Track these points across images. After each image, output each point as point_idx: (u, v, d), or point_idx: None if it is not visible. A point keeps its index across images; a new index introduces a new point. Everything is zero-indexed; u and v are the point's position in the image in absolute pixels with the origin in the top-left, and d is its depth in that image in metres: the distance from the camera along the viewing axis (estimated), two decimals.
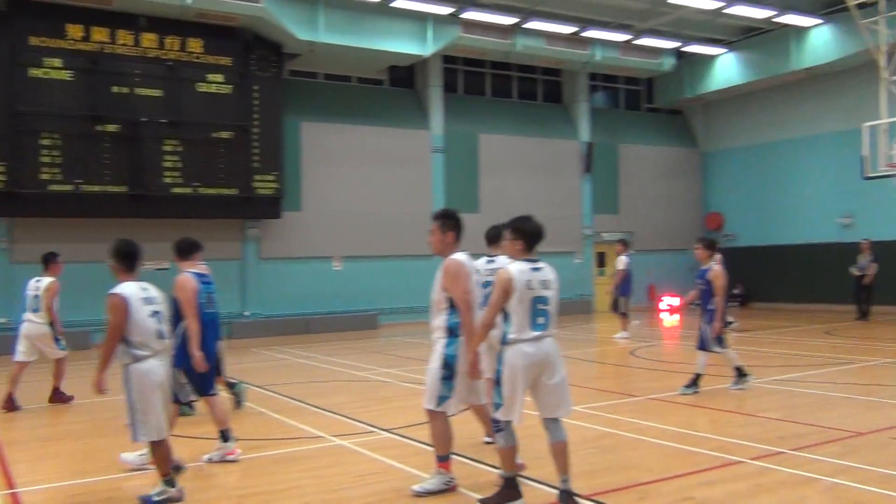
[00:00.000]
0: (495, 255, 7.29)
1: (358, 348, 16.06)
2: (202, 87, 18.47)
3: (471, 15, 19.86)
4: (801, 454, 6.37)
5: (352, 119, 21.32)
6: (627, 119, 26.81)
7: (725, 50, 24.09)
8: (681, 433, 7.29)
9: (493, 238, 7.44)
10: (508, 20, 20.42)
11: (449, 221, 6.08)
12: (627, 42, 22.65)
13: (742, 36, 23.47)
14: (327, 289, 20.62)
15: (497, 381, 5.17)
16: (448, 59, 22.98)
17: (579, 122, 25.06)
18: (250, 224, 19.75)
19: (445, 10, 19.58)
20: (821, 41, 21.73)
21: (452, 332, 5.68)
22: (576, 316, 23.03)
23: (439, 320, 5.79)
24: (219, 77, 18.66)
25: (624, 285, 16.27)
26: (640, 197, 25.87)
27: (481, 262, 7.11)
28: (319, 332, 19.56)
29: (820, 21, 21.38)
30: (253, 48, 19.09)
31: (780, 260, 24.47)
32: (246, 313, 19.69)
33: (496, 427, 5.24)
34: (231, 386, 9.09)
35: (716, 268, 9.58)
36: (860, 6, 16.69)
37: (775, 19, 21.22)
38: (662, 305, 25.04)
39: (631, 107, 27.21)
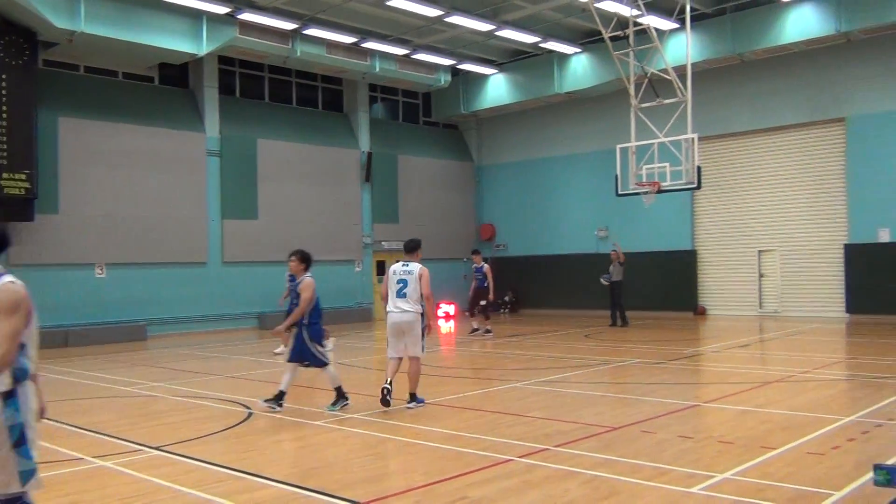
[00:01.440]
0: (410, 261, 9.21)
1: (124, 361, 15.00)
2: None
3: (248, 16, 19.33)
4: (564, 450, 6.81)
5: (118, 117, 19.91)
6: (406, 131, 27.44)
7: (496, 70, 25.42)
8: (455, 435, 7.53)
9: (412, 249, 9.33)
10: (287, 25, 20.13)
11: None
12: (405, 56, 23.20)
13: (511, 58, 24.90)
14: (89, 298, 19.06)
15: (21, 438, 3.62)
16: (224, 60, 22.21)
17: (359, 132, 25.27)
18: None
19: (221, 10, 18.90)
20: (580, 68, 23.60)
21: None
22: (356, 324, 23.14)
23: None
24: None
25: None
26: (419, 207, 26.55)
27: (399, 266, 9.18)
28: (80, 346, 18.02)
29: (579, 50, 23.23)
30: (1, 33, 17.27)
31: (547, 269, 26.20)
32: None
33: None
34: None
35: (307, 279, 9.08)
36: (613, 39, 18.28)
37: (541, 45, 22.75)
38: (439, 313, 25.81)
39: (409, 119, 27.88)
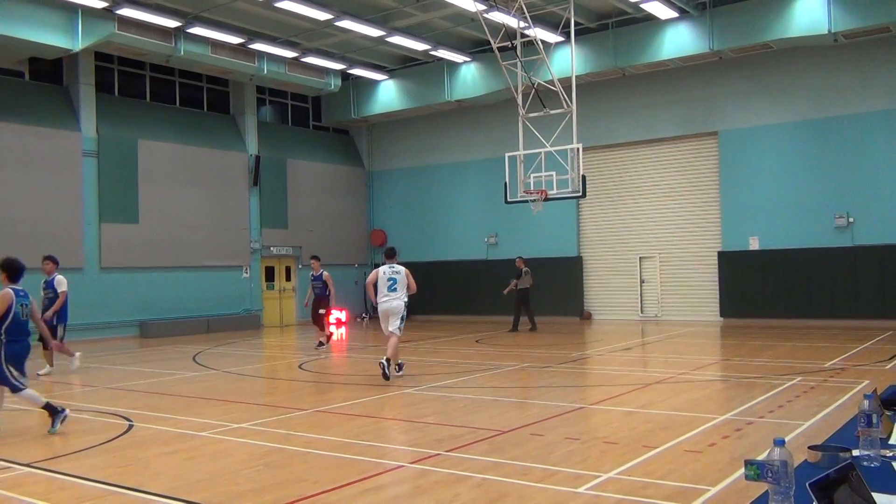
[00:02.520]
0: (394, 264, 11.92)
1: None
2: None
3: (127, 12, 18.51)
4: (455, 455, 6.85)
5: None
6: (295, 135, 27.04)
7: (387, 76, 25.43)
8: (347, 443, 7.45)
9: (393, 254, 12.25)
10: (170, 23, 19.43)
11: None
12: (295, 59, 22.86)
13: (402, 65, 24.97)
14: None
15: None
16: (102, 57, 21.22)
17: (247, 135, 24.71)
18: None
19: (98, 4, 18.04)
20: (469, 77, 23.93)
21: None
22: (244, 331, 22.57)
23: None
24: None
25: (63, 311, 13.30)
26: (309, 212, 26.20)
27: (386, 268, 11.80)
28: None
29: (468, 59, 23.55)
30: None
31: (439, 275, 26.32)
32: None
33: None
34: None
35: (2, 290, 8.12)
36: (501, 49, 18.62)
37: (431, 52, 22.93)
38: (330, 319, 25.54)
39: (299, 123, 27.49)
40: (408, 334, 21.02)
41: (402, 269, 11.90)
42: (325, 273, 17.09)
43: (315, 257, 17.66)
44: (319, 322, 17.24)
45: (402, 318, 11.69)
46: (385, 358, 11.28)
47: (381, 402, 9.99)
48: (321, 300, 17.03)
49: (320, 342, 16.98)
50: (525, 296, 20.34)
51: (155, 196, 21.81)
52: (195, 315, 22.35)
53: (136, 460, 7.05)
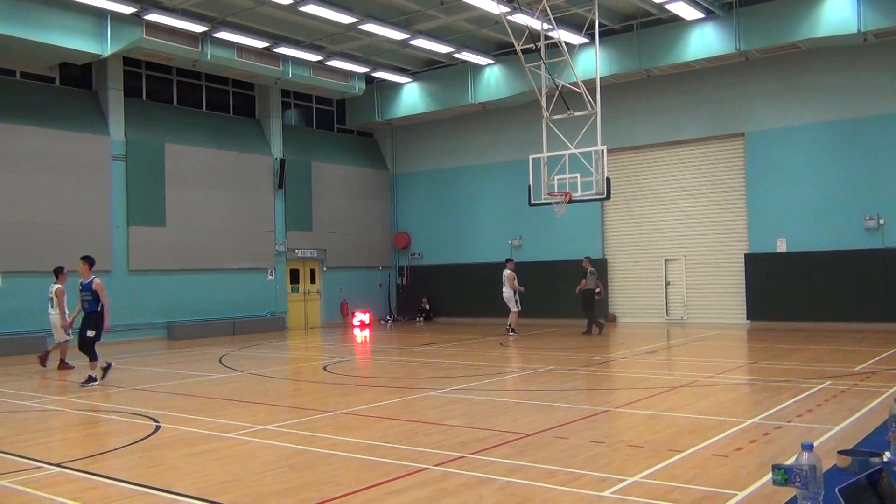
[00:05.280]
0: (506, 269, 19.71)
1: (23, 374, 14.29)
2: None
3: (154, 17, 18.73)
4: (479, 457, 6.85)
5: (16, 118, 18.97)
6: (320, 138, 27.18)
7: (411, 79, 25.49)
8: (371, 445, 7.48)
9: (507, 261, 20.24)
10: (196, 28, 19.63)
11: None
12: (319, 62, 22.99)
13: (426, 67, 25.01)
14: None
15: None
16: (130, 62, 21.50)
17: (272, 138, 24.89)
18: None
19: (126, 10, 18.26)
20: (493, 79, 23.92)
21: None
22: (269, 333, 22.73)
23: None
24: None
25: None
26: (333, 215, 26.32)
27: (504, 270, 20.00)
28: None
29: (492, 61, 23.53)
30: None
31: (462, 277, 26.35)
32: None
33: None
34: None
35: None
36: (525, 51, 18.58)
37: (455, 55, 22.95)
38: (355, 321, 25.70)
39: (323, 126, 27.63)
40: (431, 336, 21.16)
41: (507, 272, 19.73)
42: (97, 280, 12.60)
43: (85, 258, 12.78)
44: (86, 348, 12.43)
45: (515, 301, 19.63)
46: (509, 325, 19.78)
47: (406, 405, 10.01)
48: (90, 318, 12.53)
49: (90, 377, 12.22)
50: (590, 297, 19.79)
51: (182, 199, 22.04)
52: (221, 317, 22.54)
53: (163, 461, 7.13)
